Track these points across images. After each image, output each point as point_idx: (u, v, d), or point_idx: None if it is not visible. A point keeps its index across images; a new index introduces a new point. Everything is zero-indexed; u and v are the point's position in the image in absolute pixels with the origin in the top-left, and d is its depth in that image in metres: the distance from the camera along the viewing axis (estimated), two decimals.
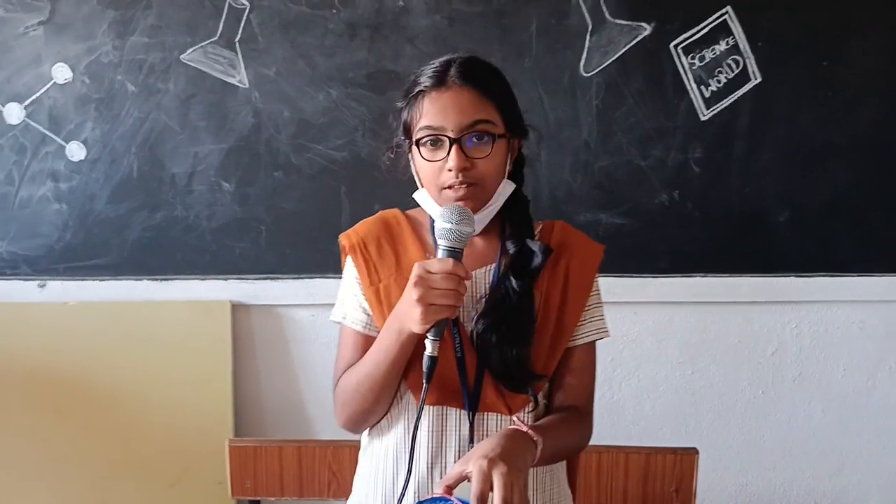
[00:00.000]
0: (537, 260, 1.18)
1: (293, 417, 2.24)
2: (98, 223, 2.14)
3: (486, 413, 1.19)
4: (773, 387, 2.24)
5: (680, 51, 2.08)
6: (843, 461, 2.27)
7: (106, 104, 2.10)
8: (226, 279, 2.16)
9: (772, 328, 2.22)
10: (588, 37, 2.07)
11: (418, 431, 1.14)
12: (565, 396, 1.23)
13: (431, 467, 1.18)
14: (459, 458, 1.13)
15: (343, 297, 1.26)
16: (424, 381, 1.10)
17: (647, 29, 2.07)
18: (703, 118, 2.11)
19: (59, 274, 2.16)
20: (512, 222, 1.24)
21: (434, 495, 1.02)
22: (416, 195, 1.24)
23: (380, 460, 1.24)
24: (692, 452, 1.64)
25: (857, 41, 2.09)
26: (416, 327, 1.07)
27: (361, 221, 1.29)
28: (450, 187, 1.15)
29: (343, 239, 1.26)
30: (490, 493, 0.97)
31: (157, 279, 2.15)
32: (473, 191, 1.15)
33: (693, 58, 2.08)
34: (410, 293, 1.06)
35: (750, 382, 2.24)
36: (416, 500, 1.17)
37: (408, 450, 1.16)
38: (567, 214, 2.10)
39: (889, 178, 2.14)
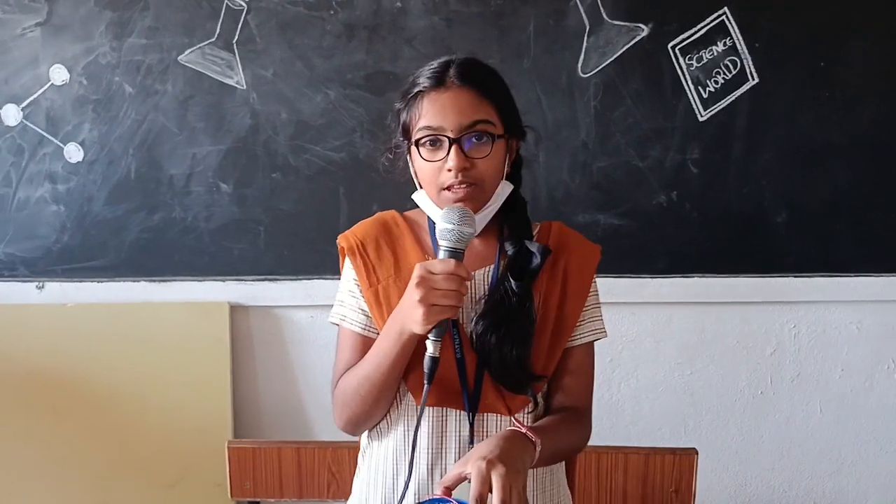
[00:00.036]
0: (536, 261, 1.18)
1: (292, 418, 2.24)
2: (96, 225, 2.14)
3: (485, 414, 1.19)
4: (771, 387, 2.24)
5: (678, 52, 2.08)
6: (841, 461, 2.27)
7: (103, 105, 2.10)
8: (224, 280, 2.15)
9: (770, 328, 2.22)
10: (586, 38, 2.08)
11: (418, 433, 1.14)
12: (564, 397, 1.23)
13: (432, 468, 1.18)
14: (460, 459, 1.13)
15: (341, 299, 1.26)
16: (426, 381, 1.10)
17: (644, 30, 2.07)
18: (700, 119, 2.11)
19: (57, 275, 2.15)
20: (510, 223, 1.24)
21: (433, 496, 1.02)
22: (414, 196, 1.24)
23: (380, 461, 1.24)
24: (691, 453, 1.64)
25: (854, 42, 2.09)
26: (418, 328, 1.07)
27: (359, 223, 1.29)
28: (449, 188, 1.15)
29: (341, 240, 1.26)
30: (489, 495, 0.98)
31: (155, 280, 2.15)
32: (473, 191, 1.15)
33: (691, 59, 2.09)
34: (412, 294, 1.06)
35: (748, 383, 2.24)
36: (416, 502, 1.16)
37: (408, 451, 1.16)
38: (565, 215, 2.10)
39: (887, 179, 2.15)
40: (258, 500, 1.70)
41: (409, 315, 1.08)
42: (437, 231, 1.12)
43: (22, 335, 2.14)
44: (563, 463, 1.31)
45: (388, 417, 1.22)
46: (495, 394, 1.18)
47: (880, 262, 2.17)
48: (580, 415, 1.24)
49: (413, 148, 1.18)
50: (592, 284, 1.26)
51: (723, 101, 2.11)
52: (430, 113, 1.15)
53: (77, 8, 2.07)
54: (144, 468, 2.14)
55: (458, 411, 1.19)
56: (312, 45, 2.08)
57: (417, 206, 1.25)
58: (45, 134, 2.11)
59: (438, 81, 1.16)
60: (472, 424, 1.18)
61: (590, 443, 1.28)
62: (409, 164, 1.23)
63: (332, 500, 1.68)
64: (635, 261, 2.14)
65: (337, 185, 2.13)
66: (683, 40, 2.08)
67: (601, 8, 2.06)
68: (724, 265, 2.16)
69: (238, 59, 2.08)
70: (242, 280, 2.16)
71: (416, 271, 1.07)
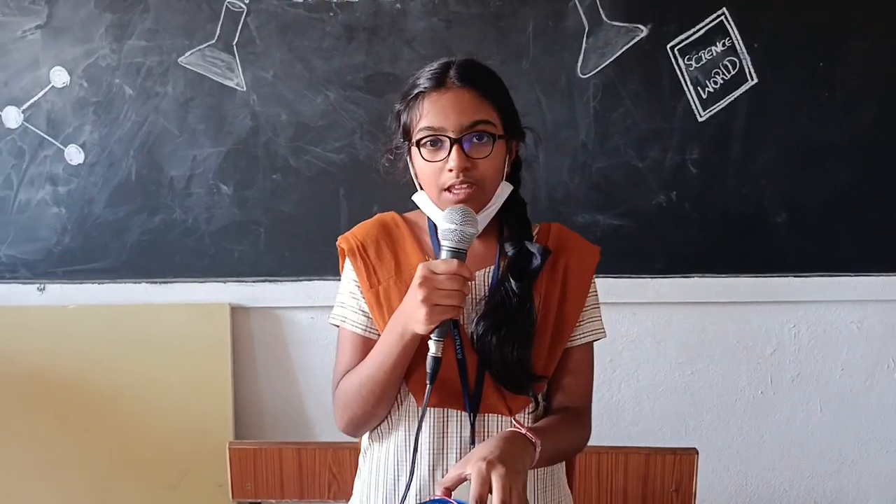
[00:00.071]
0: (536, 262, 1.18)
1: (293, 419, 2.24)
2: (97, 226, 2.14)
3: (486, 414, 1.19)
4: (771, 387, 2.25)
5: (676, 52, 2.09)
6: (841, 460, 2.27)
7: (104, 108, 2.10)
8: (225, 282, 2.16)
9: (770, 328, 2.22)
10: (585, 39, 2.08)
11: (420, 434, 1.15)
12: (564, 397, 1.23)
13: (433, 469, 1.19)
14: (461, 459, 1.13)
15: (342, 300, 1.26)
16: (428, 381, 1.10)
17: (643, 31, 2.08)
18: (700, 119, 2.11)
19: (58, 277, 2.16)
20: (510, 224, 1.24)
21: (434, 497, 1.03)
22: (415, 197, 1.24)
23: (381, 462, 1.24)
24: (691, 452, 1.64)
25: (853, 42, 2.09)
26: (421, 328, 1.07)
27: (359, 224, 1.29)
28: (449, 189, 1.15)
29: (342, 242, 1.26)
30: (489, 495, 0.98)
31: (156, 282, 2.16)
32: (473, 192, 1.15)
33: (690, 59, 2.09)
34: (415, 294, 1.07)
35: (749, 382, 2.24)
36: (417, 502, 1.17)
37: (409, 452, 1.16)
38: (565, 216, 2.10)
39: (886, 178, 2.15)
40: (259, 500, 1.70)
41: (412, 315, 1.08)
42: (439, 231, 1.12)
43: (23, 337, 2.14)
44: (564, 463, 1.31)
45: (389, 419, 1.22)
46: (496, 394, 1.18)
47: (880, 261, 2.17)
48: (580, 415, 1.24)
49: (413, 149, 1.18)
50: (592, 285, 1.26)
51: (722, 102, 2.11)
52: (430, 113, 1.15)
53: (77, 10, 2.07)
54: (145, 469, 2.15)
55: (459, 412, 1.19)
56: (312, 47, 2.09)
57: (417, 208, 1.25)
58: (45, 136, 2.11)
59: (439, 82, 1.16)
60: (473, 425, 1.18)
61: (590, 443, 1.28)
62: (410, 166, 1.23)
63: (333, 501, 1.68)
64: (635, 261, 2.14)
65: (337, 187, 2.13)
66: (682, 41, 2.08)
67: (600, 9, 2.06)
68: (723, 265, 2.16)
69: (238, 60, 2.09)
70: (243, 281, 2.16)
71: (419, 271, 1.07)
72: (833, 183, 2.14)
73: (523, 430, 1.08)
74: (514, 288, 1.17)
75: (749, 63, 2.09)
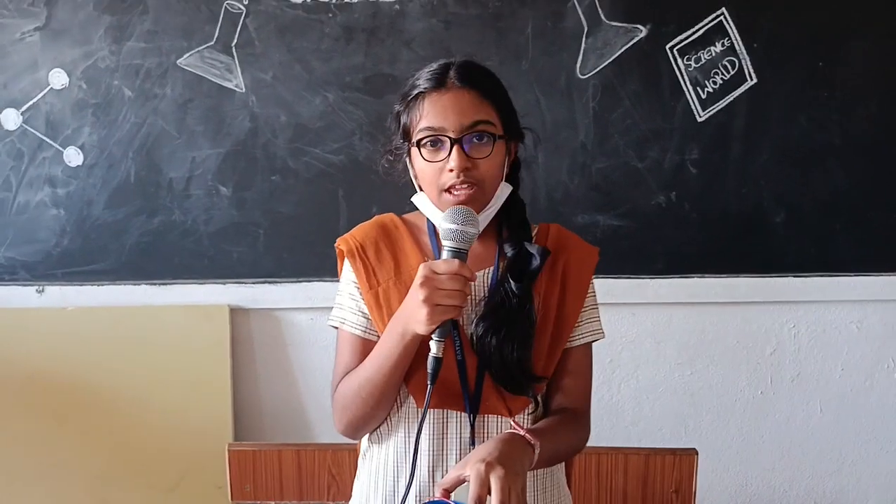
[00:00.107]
0: (535, 262, 1.18)
1: (292, 421, 2.24)
2: (96, 228, 2.14)
3: (486, 415, 1.19)
4: (771, 387, 2.25)
5: (676, 52, 2.09)
6: (841, 460, 2.27)
7: (103, 109, 2.10)
8: (224, 283, 2.16)
9: (770, 328, 2.22)
10: (584, 39, 2.08)
11: (420, 435, 1.15)
12: (562, 398, 1.23)
13: (433, 470, 1.19)
14: (460, 461, 1.13)
15: (341, 302, 1.26)
16: (429, 381, 1.10)
17: (642, 31, 2.08)
18: (699, 119, 2.12)
19: (57, 279, 2.16)
20: (509, 225, 1.24)
21: (433, 498, 1.03)
22: (414, 199, 1.24)
23: (380, 464, 1.24)
24: (691, 453, 1.64)
25: (852, 42, 2.09)
26: (422, 328, 1.07)
27: (358, 226, 1.29)
28: (449, 190, 1.15)
29: (341, 243, 1.26)
30: (487, 497, 0.98)
31: (155, 284, 2.15)
32: (474, 193, 1.15)
33: (689, 59, 2.09)
34: (417, 294, 1.06)
35: (748, 383, 2.24)
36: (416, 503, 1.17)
37: (408, 453, 1.16)
38: (564, 216, 2.10)
39: (885, 178, 2.15)
40: (258, 502, 1.70)
41: (413, 315, 1.08)
42: (440, 231, 1.12)
43: (22, 339, 2.14)
44: (563, 464, 1.31)
45: (388, 421, 1.22)
46: (496, 395, 1.18)
47: (880, 261, 2.17)
48: (579, 416, 1.24)
49: (413, 149, 1.18)
50: (590, 285, 1.26)
51: (721, 102, 2.11)
52: (430, 114, 1.15)
53: (76, 12, 2.07)
54: (145, 471, 2.15)
55: (458, 413, 1.19)
56: (311, 48, 2.08)
57: (415, 210, 1.25)
58: (44, 138, 2.11)
59: (439, 83, 1.16)
60: (473, 426, 1.18)
61: (590, 443, 1.28)
62: (409, 167, 1.23)
63: (332, 503, 1.68)
64: (635, 261, 2.14)
65: (336, 188, 2.13)
66: (681, 41, 2.08)
67: (599, 9, 2.06)
68: (723, 265, 2.16)
69: (237, 62, 2.09)
70: (242, 283, 2.16)
71: (421, 271, 1.07)
72: (832, 183, 2.14)
73: (522, 432, 1.08)
74: (514, 288, 1.17)
75: (748, 63, 2.09)
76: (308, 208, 2.14)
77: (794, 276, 2.17)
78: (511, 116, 1.21)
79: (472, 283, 1.14)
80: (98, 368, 2.14)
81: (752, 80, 2.10)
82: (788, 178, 2.14)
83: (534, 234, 1.26)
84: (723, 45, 2.09)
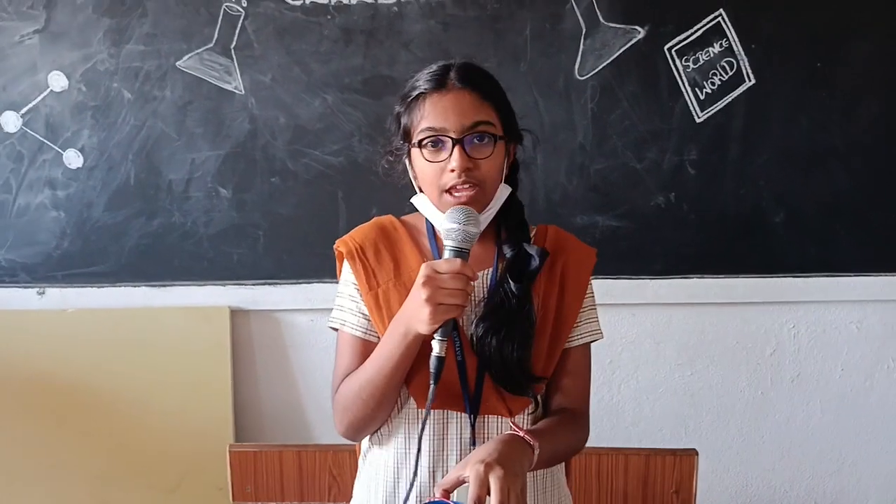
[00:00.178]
0: (534, 263, 1.19)
1: (293, 422, 2.24)
2: (96, 230, 2.15)
3: (487, 416, 1.19)
4: (771, 387, 2.25)
5: (674, 53, 2.09)
6: (842, 461, 2.27)
7: (102, 112, 2.11)
8: (224, 285, 2.16)
9: (770, 329, 2.22)
10: (582, 40, 2.08)
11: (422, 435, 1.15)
12: (562, 398, 1.24)
13: (433, 471, 1.19)
14: (460, 461, 1.13)
15: (341, 303, 1.26)
16: (432, 381, 1.10)
17: (640, 32, 2.08)
18: (697, 120, 2.12)
19: (57, 281, 2.16)
20: (508, 226, 1.24)
21: (432, 499, 1.03)
22: (414, 200, 1.24)
23: (380, 465, 1.24)
24: (692, 453, 1.65)
25: (852, 42, 2.10)
26: (424, 328, 1.07)
27: (357, 227, 1.29)
28: (450, 190, 1.16)
29: (340, 245, 1.26)
30: (487, 497, 0.98)
31: (155, 286, 2.16)
32: (475, 194, 1.16)
33: (687, 60, 2.09)
34: (419, 293, 1.06)
35: (749, 383, 2.24)
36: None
37: (409, 454, 1.16)
38: (563, 217, 2.11)
39: (885, 179, 2.15)
40: (259, 503, 1.70)
41: (416, 315, 1.08)
42: (441, 231, 1.12)
43: (23, 341, 2.14)
44: (563, 464, 1.32)
45: (389, 422, 1.22)
46: (496, 396, 1.18)
47: (880, 261, 2.17)
48: (578, 416, 1.24)
49: (414, 150, 1.18)
50: (589, 286, 1.26)
51: (720, 103, 2.11)
52: (431, 114, 1.16)
53: (75, 15, 2.07)
54: (145, 473, 2.15)
55: (459, 414, 1.19)
56: (310, 50, 2.09)
57: (415, 211, 1.25)
58: (44, 140, 2.12)
59: (439, 84, 1.16)
60: (473, 427, 1.18)
61: (590, 444, 1.28)
62: (409, 168, 1.23)
63: None
64: (634, 262, 2.15)
65: (335, 189, 2.13)
66: (680, 42, 2.09)
67: (597, 10, 2.07)
68: (722, 266, 2.16)
69: (236, 64, 2.09)
70: (242, 284, 2.16)
71: (423, 270, 1.08)
72: (832, 183, 2.14)
73: (521, 433, 1.08)
74: (513, 289, 1.17)
75: (747, 64, 2.09)
76: (307, 210, 2.14)
77: (794, 277, 2.17)
78: (510, 118, 1.21)
79: (474, 282, 1.15)
80: (98, 370, 2.14)
81: (750, 80, 2.10)
82: (787, 179, 2.14)
83: (532, 235, 1.27)
84: (721, 45, 2.09)
